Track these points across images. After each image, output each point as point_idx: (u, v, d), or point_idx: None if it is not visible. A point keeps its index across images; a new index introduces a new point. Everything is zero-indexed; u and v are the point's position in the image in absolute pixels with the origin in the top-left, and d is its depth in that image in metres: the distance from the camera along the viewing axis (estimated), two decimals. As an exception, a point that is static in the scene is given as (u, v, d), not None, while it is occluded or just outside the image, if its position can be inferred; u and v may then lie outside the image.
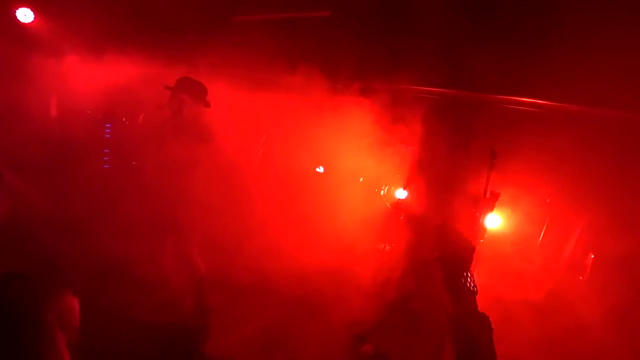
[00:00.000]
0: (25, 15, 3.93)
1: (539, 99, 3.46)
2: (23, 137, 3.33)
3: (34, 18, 3.99)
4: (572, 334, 2.84)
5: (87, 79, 4.29)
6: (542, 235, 3.65)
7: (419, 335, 2.61)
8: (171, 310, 3.00)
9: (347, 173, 4.45)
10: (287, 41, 3.83)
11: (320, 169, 4.99)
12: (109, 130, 5.46)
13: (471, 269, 2.46)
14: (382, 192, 4.47)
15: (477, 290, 1.46)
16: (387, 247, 3.95)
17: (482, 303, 3.17)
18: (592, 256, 3.47)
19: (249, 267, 3.43)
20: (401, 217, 3.84)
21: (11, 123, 3.25)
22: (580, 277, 3.51)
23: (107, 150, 5.43)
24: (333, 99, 4.44)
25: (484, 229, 3.39)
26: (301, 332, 2.80)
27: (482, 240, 3.42)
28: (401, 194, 4.38)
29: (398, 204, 3.91)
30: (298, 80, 4.12)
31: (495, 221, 3.56)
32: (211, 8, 4.32)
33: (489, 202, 2.77)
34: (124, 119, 5.58)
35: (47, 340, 1.11)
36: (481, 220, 2.63)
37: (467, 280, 1.47)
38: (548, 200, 3.57)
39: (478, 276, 3.29)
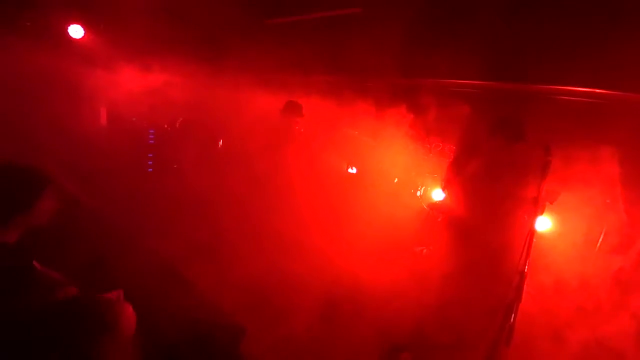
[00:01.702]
0: (76, 31, 4.25)
1: (597, 89, 3.13)
2: (74, 145, 3.60)
3: (84, 34, 4.30)
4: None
5: (132, 89, 4.56)
6: (600, 240, 3.31)
7: (458, 346, 2.45)
8: (210, 309, 3.07)
9: (381, 173, 4.34)
10: (319, 41, 3.80)
11: (353, 170, 4.91)
12: (152, 136, 5.77)
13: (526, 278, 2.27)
14: (418, 193, 4.30)
15: None
16: (424, 250, 3.79)
17: (533, 312, 2.92)
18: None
19: (280, 269, 3.43)
20: (439, 219, 3.65)
21: (64, 131, 3.52)
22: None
23: (150, 155, 5.74)
24: (367, 97, 4.35)
25: (534, 233, 3.14)
26: (332, 337, 2.74)
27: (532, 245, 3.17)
28: (439, 195, 4.17)
29: (436, 205, 3.74)
30: (331, 80, 4.08)
31: (545, 224, 3.28)
32: (247, 15, 4.41)
33: (542, 204, 2.55)
34: (165, 126, 5.87)
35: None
36: (531, 223, 2.42)
37: None
38: (608, 202, 3.22)
39: (529, 285, 3.04)
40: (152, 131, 5.76)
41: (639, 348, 2.55)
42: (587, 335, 2.75)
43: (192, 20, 4.44)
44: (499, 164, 2.69)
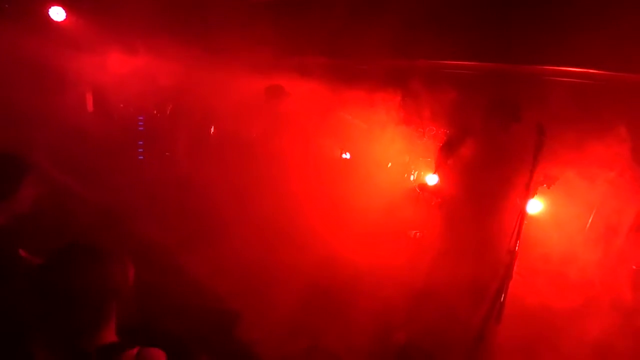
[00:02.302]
0: (57, 13, 4.08)
1: (589, 69, 3.11)
2: (60, 131, 3.51)
3: (66, 16, 4.13)
4: (619, 328, 2.62)
5: (119, 74, 4.42)
6: (590, 220, 3.36)
7: (451, 325, 2.50)
8: (205, 295, 3.08)
9: (374, 159, 4.33)
10: (310, 23, 3.70)
11: (347, 155, 4.89)
12: (142, 123, 5.65)
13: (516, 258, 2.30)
14: (412, 178, 4.30)
15: None
16: (417, 233, 3.82)
17: (524, 292, 2.97)
18: (649, 244, 3.15)
19: (276, 253, 3.44)
20: (432, 203, 3.67)
21: (47, 118, 3.43)
22: (634, 267, 3.20)
23: (141, 142, 5.64)
24: (360, 81, 4.29)
25: (525, 213, 3.16)
26: (328, 319, 2.78)
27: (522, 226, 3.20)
28: (432, 179, 4.18)
29: (429, 188, 3.75)
30: (323, 63, 4.01)
31: (537, 206, 3.31)
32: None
33: (534, 186, 2.55)
34: (155, 112, 5.75)
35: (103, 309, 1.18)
36: (523, 205, 2.44)
37: None
38: (597, 183, 3.26)
39: (520, 264, 3.09)
40: (141, 118, 5.64)
41: (628, 325, 2.62)
42: (576, 315, 2.82)
43: (179, 1, 4.29)
44: (493, 146, 2.69)
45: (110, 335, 1.20)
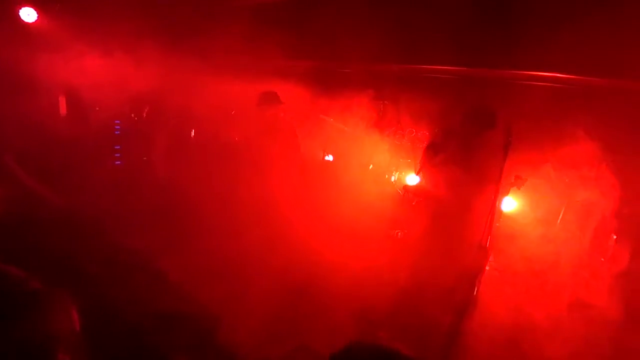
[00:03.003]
0: (28, 14, 3.94)
1: (556, 73, 3.28)
2: (32, 136, 3.38)
3: (37, 17, 3.99)
4: (593, 321, 2.75)
5: (94, 77, 4.30)
6: (560, 216, 3.52)
7: (432, 322, 2.57)
8: (183, 299, 3.03)
9: (356, 160, 4.38)
10: (289, 26, 3.73)
11: (330, 157, 4.93)
12: (118, 127, 5.50)
13: (488, 253, 2.38)
14: (393, 179, 4.38)
15: None
16: (399, 233, 3.89)
17: (499, 287, 3.08)
18: (615, 237, 3.33)
19: (259, 255, 3.43)
20: (413, 203, 3.75)
21: (19, 122, 3.29)
22: (602, 259, 3.38)
23: (118, 147, 5.49)
24: (341, 84, 4.35)
25: (500, 212, 3.28)
26: (313, 319, 2.79)
27: (497, 224, 3.32)
28: (412, 179, 4.27)
29: (410, 188, 3.83)
30: (302, 66, 4.04)
31: (511, 204, 3.44)
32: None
33: (506, 185, 2.67)
34: (132, 115, 5.61)
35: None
36: (497, 203, 2.53)
37: None
38: (567, 181, 3.42)
39: (495, 260, 3.20)
40: (117, 122, 5.49)
41: (602, 316, 2.75)
42: (548, 305, 2.95)
43: (157, 3, 4.23)
44: (471, 148, 2.79)
45: None
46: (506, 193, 2.87)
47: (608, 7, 2.63)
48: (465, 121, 2.83)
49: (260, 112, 3.93)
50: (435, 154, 2.94)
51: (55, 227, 2.91)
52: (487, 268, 3.31)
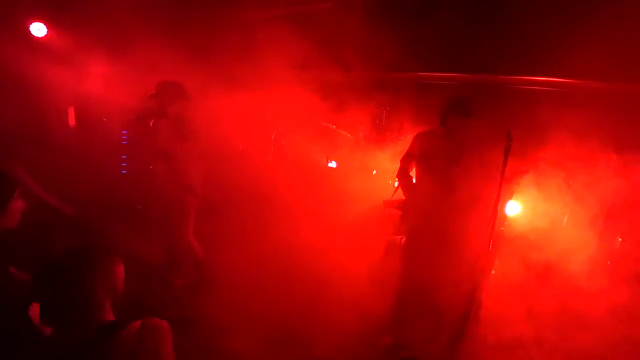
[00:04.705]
0: (38, 29, 4.06)
1: (554, 77, 3.31)
2: (42, 147, 3.47)
3: (47, 32, 4.11)
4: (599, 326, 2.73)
5: (102, 88, 4.41)
6: (565, 219, 3.51)
7: (436, 327, 2.56)
8: (189, 308, 3.06)
9: (359, 166, 4.42)
10: (294, 35, 3.81)
11: (333, 164, 4.97)
12: (125, 137, 5.59)
13: (492, 257, 2.37)
14: (395, 184, 4.40)
15: None
16: (402, 238, 3.90)
17: (505, 290, 3.07)
18: (620, 240, 3.32)
19: (262, 262, 3.45)
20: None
21: (30, 133, 3.39)
22: (608, 262, 3.36)
23: (124, 156, 5.57)
24: (343, 91, 4.40)
25: (504, 216, 3.27)
26: (317, 326, 2.80)
27: (502, 228, 3.32)
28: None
29: (389, 203, 3.83)
30: (306, 74, 4.10)
31: (515, 208, 3.45)
32: (217, 10, 4.35)
33: (509, 187, 2.65)
34: (138, 125, 5.69)
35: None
36: (500, 207, 2.53)
37: None
38: (571, 183, 3.42)
39: (500, 264, 3.19)
40: (124, 132, 5.58)
41: (607, 320, 2.74)
42: (554, 309, 2.93)
43: (162, 18, 4.34)
44: (471, 150, 2.74)
45: (108, 315, 1.29)
46: (510, 196, 2.87)
47: (605, 10, 2.66)
48: (447, 112, 2.74)
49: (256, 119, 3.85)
50: (432, 160, 2.81)
51: (64, 236, 2.98)
52: (492, 272, 3.31)
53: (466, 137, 2.64)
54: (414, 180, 2.91)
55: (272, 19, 4.30)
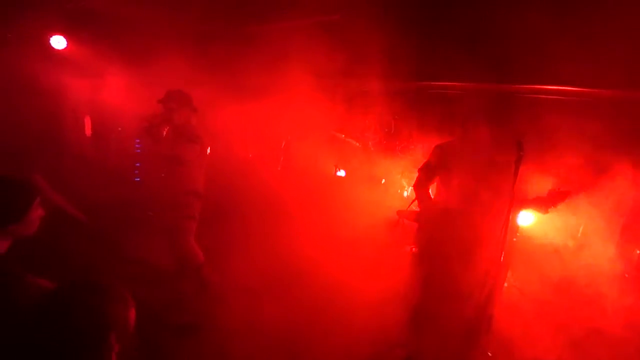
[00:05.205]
0: (58, 42, 4.22)
1: (564, 86, 3.28)
2: (60, 155, 3.57)
3: (67, 45, 4.27)
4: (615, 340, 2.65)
5: (117, 98, 4.54)
6: (581, 230, 3.44)
7: (449, 339, 2.52)
8: (200, 314, 3.07)
9: (368, 176, 4.42)
10: (303, 46, 3.87)
11: (342, 173, 4.98)
12: (138, 145, 5.72)
13: (505, 268, 2.33)
14: (405, 194, 4.38)
15: None
16: (413, 248, 3.86)
17: (518, 303, 3.00)
18: (639, 252, 3.23)
19: (271, 269, 3.46)
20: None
21: (48, 142, 3.50)
22: (626, 275, 3.26)
23: (138, 164, 5.69)
24: (351, 100, 4.44)
25: (517, 227, 3.21)
26: (326, 336, 2.78)
27: (515, 239, 3.26)
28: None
29: (404, 214, 3.80)
30: (315, 83, 4.15)
31: (528, 219, 3.39)
32: (229, 23, 4.46)
33: (518, 198, 2.60)
34: (151, 134, 5.81)
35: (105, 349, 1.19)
36: (511, 217, 2.50)
37: None
38: (587, 193, 3.35)
39: (513, 276, 3.12)
40: (138, 140, 5.71)
41: (626, 334, 2.66)
42: (569, 322, 2.85)
43: (176, 31, 4.46)
44: (481, 162, 2.73)
45: None
46: (521, 207, 2.82)
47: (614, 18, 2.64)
48: (466, 120, 2.71)
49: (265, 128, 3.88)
50: (442, 169, 2.80)
51: (80, 243, 3.05)
52: (505, 284, 3.24)
53: (485, 148, 2.62)
54: (430, 192, 2.89)
55: (281, 30, 4.38)
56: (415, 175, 2.94)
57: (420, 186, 2.85)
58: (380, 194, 4.39)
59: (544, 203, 2.47)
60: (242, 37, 4.47)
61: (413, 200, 3.01)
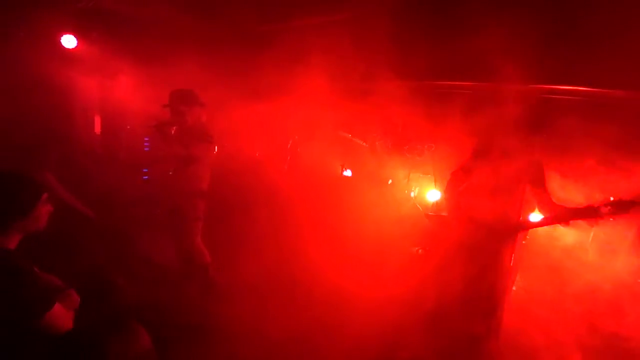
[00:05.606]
0: (69, 41, 4.27)
1: (582, 87, 3.21)
2: (69, 153, 3.62)
3: (77, 44, 4.32)
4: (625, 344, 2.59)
5: (127, 97, 4.58)
6: (591, 235, 3.38)
7: (457, 343, 2.49)
8: (207, 315, 3.07)
9: (375, 176, 4.39)
10: (311, 46, 3.86)
11: (348, 173, 4.96)
12: (147, 144, 5.76)
13: (514, 272, 2.29)
14: (412, 194, 4.35)
15: None
16: (420, 250, 3.83)
17: (532, 304, 2.95)
18: (653, 256, 3.15)
19: (277, 270, 3.45)
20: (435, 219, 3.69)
21: (58, 140, 3.54)
22: (639, 280, 3.20)
23: (146, 163, 5.72)
24: (357, 100, 4.41)
25: (527, 230, 3.15)
26: (331, 337, 2.76)
27: (524, 242, 3.21)
28: (433, 195, 4.23)
29: (431, 205, 3.77)
30: (322, 83, 4.14)
31: (538, 217, 3.33)
32: (240, 21, 4.48)
33: (529, 204, 2.55)
34: (160, 132, 5.85)
35: None
36: (522, 217, 2.46)
37: None
38: (597, 194, 3.29)
39: (524, 276, 3.07)
40: (146, 139, 5.75)
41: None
42: (580, 329, 2.80)
43: (187, 31, 4.49)
44: (493, 163, 2.65)
45: None
46: (532, 210, 2.77)
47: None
48: (483, 134, 2.65)
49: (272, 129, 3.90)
50: (465, 178, 2.73)
51: (91, 241, 3.08)
52: (514, 288, 3.19)
53: (506, 167, 2.49)
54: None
55: (289, 30, 4.38)
56: (426, 175, 2.90)
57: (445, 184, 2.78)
58: (386, 194, 4.36)
59: (597, 215, 2.05)
60: (251, 38, 4.49)
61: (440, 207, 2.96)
